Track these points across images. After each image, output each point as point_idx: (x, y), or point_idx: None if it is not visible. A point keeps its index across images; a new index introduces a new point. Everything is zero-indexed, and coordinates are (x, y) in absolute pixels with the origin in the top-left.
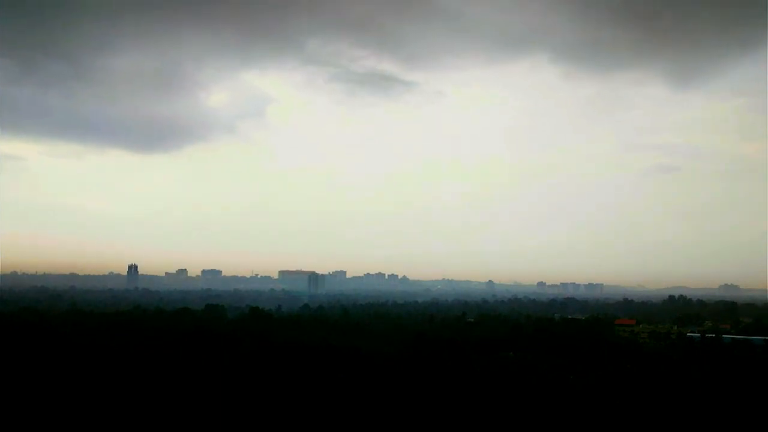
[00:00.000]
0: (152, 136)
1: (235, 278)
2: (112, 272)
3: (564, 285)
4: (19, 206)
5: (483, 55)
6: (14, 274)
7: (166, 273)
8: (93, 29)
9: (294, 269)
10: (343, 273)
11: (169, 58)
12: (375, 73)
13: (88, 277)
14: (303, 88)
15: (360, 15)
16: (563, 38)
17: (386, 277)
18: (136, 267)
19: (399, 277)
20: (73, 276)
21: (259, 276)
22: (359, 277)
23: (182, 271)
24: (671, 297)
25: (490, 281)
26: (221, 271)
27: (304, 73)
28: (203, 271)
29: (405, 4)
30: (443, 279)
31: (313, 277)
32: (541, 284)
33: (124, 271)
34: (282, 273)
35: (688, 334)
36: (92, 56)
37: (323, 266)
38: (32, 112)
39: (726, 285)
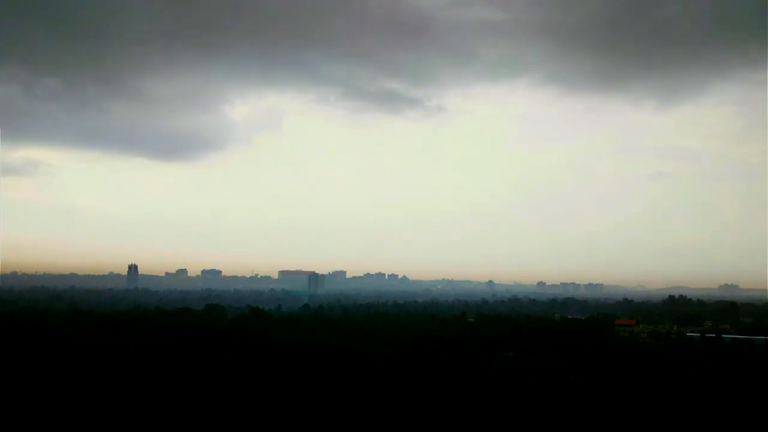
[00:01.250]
0: (174, 145)
1: (235, 278)
2: (112, 272)
3: (564, 285)
4: (34, 208)
5: (482, 76)
6: (14, 274)
7: (166, 273)
8: (131, 53)
9: (294, 269)
10: (343, 273)
11: (197, 79)
12: (381, 91)
13: (88, 277)
14: (314, 104)
15: (369, 44)
16: (555, 64)
17: (386, 277)
18: (136, 267)
19: (399, 277)
20: (73, 276)
21: (259, 276)
22: (359, 277)
23: (182, 271)
24: (671, 297)
25: (490, 281)
26: (221, 271)
27: (317, 92)
28: (203, 271)
29: (410, 36)
30: (443, 279)
31: (313, 277)
32: (541, 284)
33: (124, 271)
34: (282, 273)
35: (688, 334)
36: (128, 77)
37: (323, 266)
38: (67, 125)
39: (726, 285)
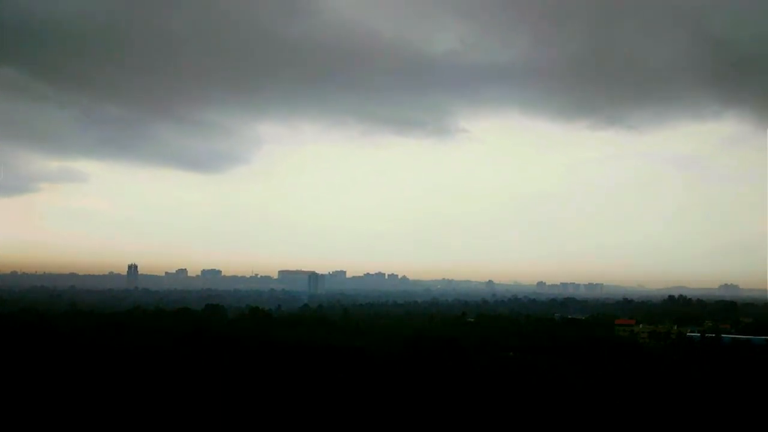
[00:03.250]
0: (204, 160)
1: (235, 278)
2: (112, 272)
3: (564, 285)
4: (64, 213)
5: (481, 106)
6: (14, 274)
7: (166, 273)
8: (181, 85)
9: (294, 269)
10: (343, 273)
11: (233, 107)
12: (391, 117)
13: (88, 277)
14: (330, 126)
15: (383, 81)
16: (551, 95)
17: (386, 277)
18: (136, 267)
19: (399, 277)
20: (73, 276)
21: (259, 276)
22: (359, 277)
23: (182, 271)
24: (671, 297)
25: (490, 281)
26: (221, 271)
27: (334, 119)
28: (203, 271)
29: (422, 75)
30: (443, 279)
31: (313, 277)
32: (541, 284)
33: (124, 271)
34: (282, 273)
35: (688, 334)
36: (177, 105)
37: (323, 266)
38: (112, 141)
39: (726, 285)
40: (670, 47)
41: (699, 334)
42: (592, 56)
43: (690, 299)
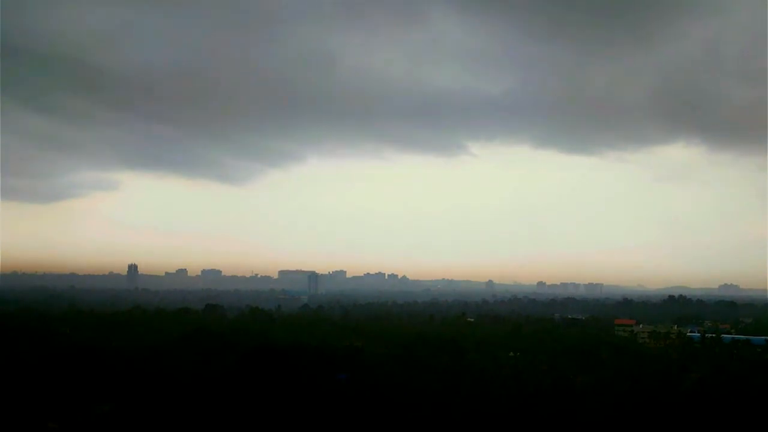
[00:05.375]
0: (239, 173)
1: (235, 278)
2: (112, 272)
3: (564, 285)
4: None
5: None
6: (14, 274)
7: (166, 273)
8: (234, 111)
9: (294, 269)
10: (343, 273)
11: (280, 136)
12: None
13: (88, 277)
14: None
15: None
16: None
17: (386, 277)
18: (136, 267)
19: (399, 277)
20: (73, 276)
21: (259, 276)
22: (359, 277)
23: (182, 271)
24: (671, 297)
25: (490, 281)
26: (221, 271)
27: (345, 141)
28: (203, 271)
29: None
30: (443, 279)
31: (313, 277)
32: (541, 284)
33: (124, 271)
34: (282, 273)
35: (688, 334)
36: (230, 130)
37: (323, 266)
38: (154, 156)
39: (726, 285)
40: (636, 86)
41: (699, 334)
42: (567, 92)
43: (690, 299)
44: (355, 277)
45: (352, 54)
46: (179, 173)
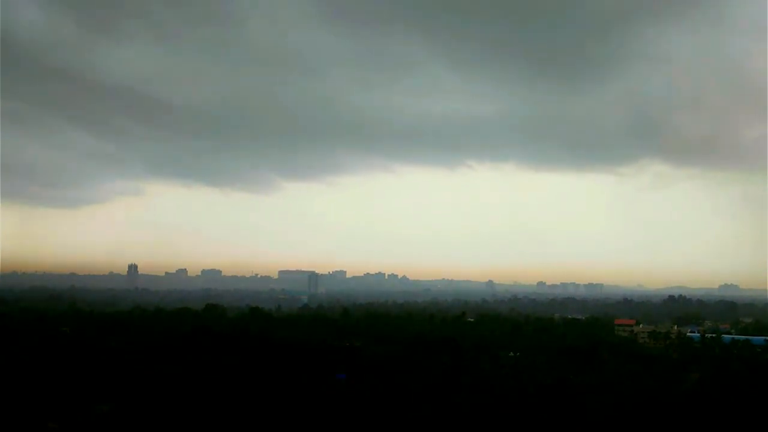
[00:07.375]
0: (244, 179)
1: (235, 278)
2: (112, 272)
3: (564, 285)
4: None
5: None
6: (14, 274)
7: (166, 273)
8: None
9: (294, 269)
10: (343, 273)
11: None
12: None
13: (88, 277)
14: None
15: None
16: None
17: (386, 277)
18: (136, 267)
19: (399, 277)
20: (73, 276)
21: (259, 276)
22: (359, 276)
23: (182, 271)
24: (671, 297)
25: (490, 281)
26: (221, 271)
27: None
28: (203, 271)
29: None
30: (443, 279)
31: (313, 277)
32: (541, 284)
33: (124, 271)
34: (282, 273)
35: (688, 334)
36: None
37: (323, 266)
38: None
39: (726, 285)
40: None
41: (699, 334)
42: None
43: (690, 299)
44: (355, 277)
45: (363, 92)
46: (187, 180)
